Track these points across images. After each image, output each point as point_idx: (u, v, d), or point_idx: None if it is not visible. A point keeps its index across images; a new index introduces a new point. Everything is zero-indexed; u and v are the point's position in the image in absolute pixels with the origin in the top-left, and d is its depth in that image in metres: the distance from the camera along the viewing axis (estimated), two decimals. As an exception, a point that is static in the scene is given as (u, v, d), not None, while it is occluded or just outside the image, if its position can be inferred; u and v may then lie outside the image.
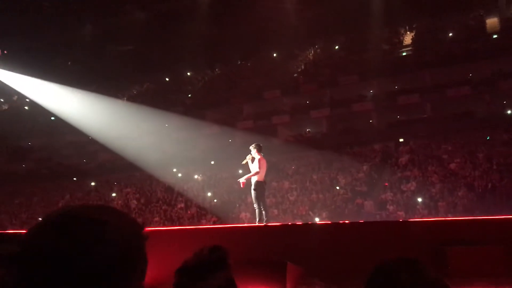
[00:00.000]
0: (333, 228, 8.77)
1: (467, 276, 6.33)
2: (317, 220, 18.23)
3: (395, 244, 6.86)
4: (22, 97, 38.08)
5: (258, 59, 38.40)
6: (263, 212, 9.02)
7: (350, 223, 10.26)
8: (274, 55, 39.32)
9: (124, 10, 37.38)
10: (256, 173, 8.93)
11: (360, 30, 32.67)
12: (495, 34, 29.72)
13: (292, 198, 21.84)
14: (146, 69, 38.88)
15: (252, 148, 9.22)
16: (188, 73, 42.23)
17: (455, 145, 22.77)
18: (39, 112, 36.25)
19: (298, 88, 32.95)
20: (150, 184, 28.06)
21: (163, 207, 24.43)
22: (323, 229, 8.69)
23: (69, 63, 39.94)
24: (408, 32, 34.90)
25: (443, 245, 7.11)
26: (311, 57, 37.29)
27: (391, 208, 18.74)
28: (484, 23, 31.33)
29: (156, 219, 22.97)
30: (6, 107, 45.39)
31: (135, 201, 26.14)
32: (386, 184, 21.04)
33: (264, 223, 8.82)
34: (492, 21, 31.21)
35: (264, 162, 9.09)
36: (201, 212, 22.78)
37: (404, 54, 32.41)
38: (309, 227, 9.52)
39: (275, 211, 20.17)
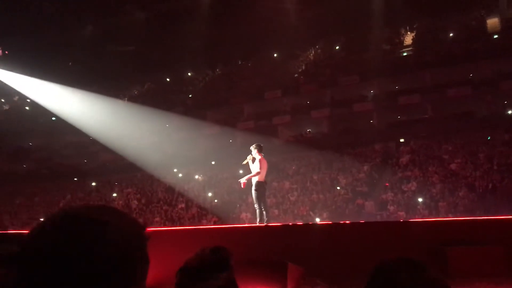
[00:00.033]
0: (334, 229, 8.77)
1: (467, 276, 6.33)
2: (317, 220, 18.24)
3: (396, 244, 6.86)
4: (23, 97, 38.09)
5: (258, 59, 38.39)
6: (264, 212, 9.01)
7: (351, 224, 10.26)
8: (275, 55, 39.30)
9: (125, 10, 37.40)
10: (257, 174, 8.92)
11: (360, 30, 32.63)
12: (495, 34, 29.68)
13: (292, 198, 21.84)
14: (147, 69, 38.88)
15: (253, 148, 9.21)
16: (189, 73, 42.23)
17: (455, 145, 22.77)
18: (40, 112, 36.27)
19: (299, 88, 32.94)
20: (151, 184, 28.08)
21: (164, 208, 24.43)
22: (323, 229, 8.69)
23: (70, 63, 39.93)
24: (408, 32, 34.85)
25: (443, 245, 7.11)
26: (311, 57, 37.26)
27: (391, 208, 18.73)
28: (484, 23, 31.29)
29: (157, 219, 22.98)
30: (7, 108, 45.39)
31: (136, 202, 26.15)
32: (387, 184, 21.05)
33: (265, 224, 8.82)
34: (492, 21, 31.16)
35: (264, 163, 9.09)
36: (202, 212, 22.78)
37: (404, 54, 32.37)
38: (309, 228, 9.52)
39: (276, 212, 20.18)
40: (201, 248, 2.00)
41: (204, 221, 21.44)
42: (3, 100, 45.13)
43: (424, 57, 29.44)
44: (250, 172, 9.12)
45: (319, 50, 37.59)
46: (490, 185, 18.07)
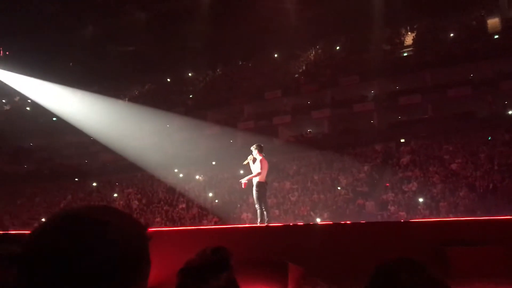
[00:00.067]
0: (334, 229, 8.75)
1: (467, 276, 6.32)
2: (318, 220, 18.24)
3: (396, 244, 6.85)
4: (23, 97, 38.14)
5: (259, 60, 38.41)
6: (265, 212, 9.01)
7: (352, 224, 10.25)
8: (275, 55, 39.32)
9: (125, 10, 37.44)
10: (258, 174, 8.92)
11: (361, 31, 32.66)
12: (496, 35, 29.68)
13: (293, 198, 21.83)
14: (147, 69, 38.93)
15: (254, 148, 9.21)
16: (189, 74, 42.28)
17: (456, 146, 22.76)
18: (40, 112, 36.32)
19: (299, 88, 32.94)
20: (151, 184, 28.10)
21: (164, 208, 24.44)
22: (324, 229, 8.68)
23: (70, 63, 40.00)
24: (409, 33, 34.87)
25: (443, 245, 7.10)
26: (312, 58, 37.28)
27: (392, 208, 18.72)
28: (485, 23, 31.29)
29: (158, 219, 22.99)
30: (7, 108, 45.45)
31: (136, 202, 26.17)
32: (388, 184, 21.04)
33: (266, 224, 8.82)
34: (493, 22, 31.17)
35: (265, 163, 9.08)
36: (203, 212, 22.79)
37: (405, 54, 32.39)
38: (310, 228, 9.51)
39: (277, 212, 20.18)
40: (203, 249, 2.00)
41: (205, 222, 21.44)
42: (4, 101, 45.21)
43: (424, 57, 29.44)
44: (251, 173, 9.12)
45: (319, 50, 37.61)
46: (491, 185, 18.06)
